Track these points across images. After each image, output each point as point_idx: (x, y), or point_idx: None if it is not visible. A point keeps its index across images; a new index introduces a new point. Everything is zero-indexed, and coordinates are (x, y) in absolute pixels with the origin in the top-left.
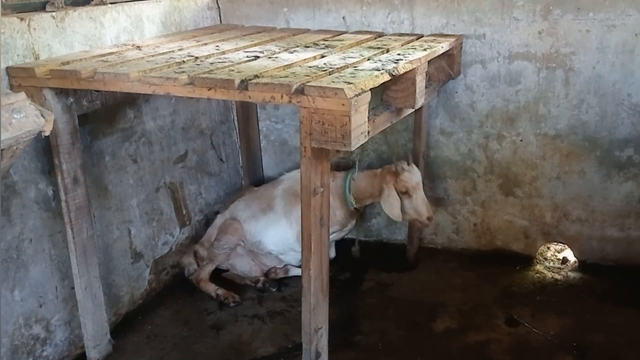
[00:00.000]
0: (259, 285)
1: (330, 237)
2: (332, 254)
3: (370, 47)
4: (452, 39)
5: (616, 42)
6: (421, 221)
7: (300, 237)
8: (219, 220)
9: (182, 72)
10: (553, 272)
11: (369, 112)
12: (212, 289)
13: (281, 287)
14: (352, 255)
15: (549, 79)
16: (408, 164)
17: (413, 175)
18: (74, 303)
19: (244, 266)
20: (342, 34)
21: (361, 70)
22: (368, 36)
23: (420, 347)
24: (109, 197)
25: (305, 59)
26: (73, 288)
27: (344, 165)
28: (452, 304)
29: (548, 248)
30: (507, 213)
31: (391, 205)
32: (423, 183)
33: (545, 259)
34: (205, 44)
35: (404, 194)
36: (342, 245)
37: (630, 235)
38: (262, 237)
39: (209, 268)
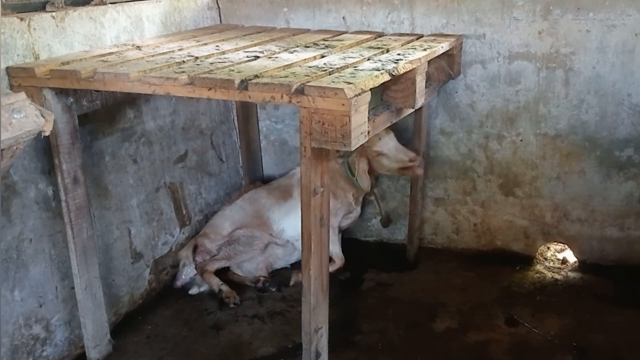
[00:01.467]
0: (259, 285)
1: (342, 224)
2: (338, 250)
3: (370, 47)
4: (452, 39)
5: (616, 42)
6: (408, 166)
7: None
8: (229, 212)
9: (182, 72)
10: (553, 272)
11: (369, 112)
12: (215, 282)
13: (281, 287)
14: (382, 224)
15: (549, 79)
16: None
17: (374, 137)
18: (74, 303)
19: (251, 264)
20: (342, 34)
21: (361, 70)
22: (368, 36)
23: (420, 347)
24: (109, 197)
25: (305, 59)
26: (73, 288)
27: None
28: (452, 304)
29: (548, 248)
30: (507, 213)
31: (361, 178)
32: (423, 183)
33: (545, 259)
34: (205, 44)
35: (379, 155)
36: (343, 245)
37: (630, 235)
38: (284, 224)
39: (220, 263)
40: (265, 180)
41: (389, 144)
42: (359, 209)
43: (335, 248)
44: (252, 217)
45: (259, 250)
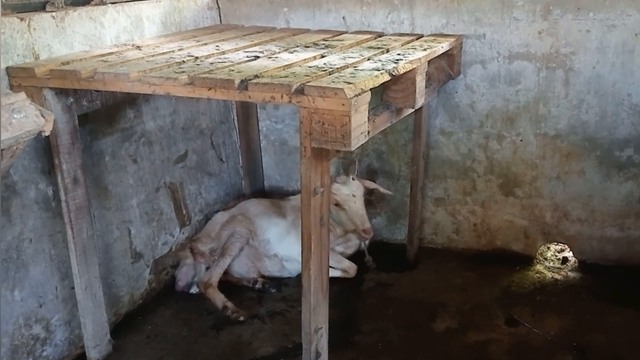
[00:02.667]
0: (258, 285)
1: (346, 251)
2: (347, 263)
3: (370, 47)
4: (452, 39)
5: (616, 42)
6: (358, 231)
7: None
8: (219, 217)
9: (182, 72)
10: (553, 272)
11: (369, 112)
12: (220, 299)
13: (281, 287)
14: (366, 265)
15: (549, 79)
16: (348, 175)
17: (343, 188)
18: (74, 303)
19: (241, 267)
20: (342, 34)
21: (361, 70)
22: (368, 36)
23: (420, 347)
24: (109, 197)
25: (305, 59)
26: (73, 288)
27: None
28: (452, 304)
29: (548, 248)
30: (507, 213)
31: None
32: (423, 183)
33: (545, 259)
34: (205, 44)
35: (337, 205)
36: None
37: (630, 235)
38: (271, 236)
39: (219, 270)
40: (266, 180)
41: (352, 204)
42: (355, 242)
43: (344, 263)
44: (239, 218)
45: (242, 243)
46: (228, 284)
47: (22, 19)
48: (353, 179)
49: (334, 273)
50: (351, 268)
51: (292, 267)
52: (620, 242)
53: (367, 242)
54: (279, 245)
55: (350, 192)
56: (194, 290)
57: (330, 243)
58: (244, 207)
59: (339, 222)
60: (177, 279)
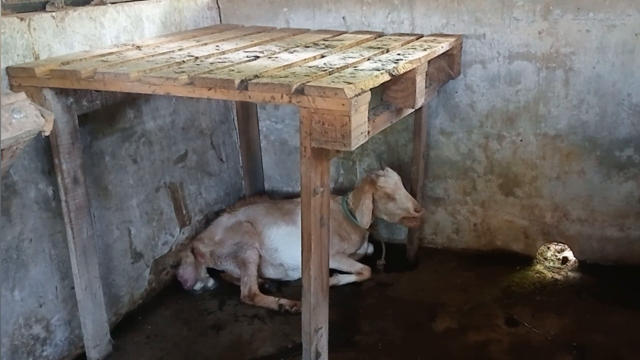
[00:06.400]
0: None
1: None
2: (360, 265)
3: (370, 47)
4: (452, 39)
5: (616, 42)
6: (412, 216)
7: None
8: (225, 220)
9: (182, 72)
10: (553, 272)
11: (369, 112)
12: (272, 301)
13: (281, 287)
14: (377, 267)
15: (549, 79)
16: (382, 169)
17: (389, 179)
18: (74, 303)
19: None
20: (342, 34)
21: (361, 70)
22: (368, 36)
23: (420, 347)
24: (109, 197)
25: (305, 59)
26: (73, 288)
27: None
28: (452, 304)
29: (548, 248)
30: (507, 213)
31: (362, 214)
32: (423, 183)
33: (545, 259)
34: (205, 44)
35: (387, 198)
36: None
37: (630, 235)
38: (280, 246)
39: (252, 278)
40: (265, 180)
41: (400, 190)
42: (365, 246)
43: (356, 266)
44: (245, 227)
45: (256, 251)
46: (230, 284)
47: (22, 19)
48: (387, 169)
49: (349, 278)
50: (365, 269)
51: (297, 275)
52: (620, 242)
53: (370, 249)
54: (287, 255)
55: (394, 181)
56: (197, 287)
57: (345, 250)
58: (251, 214)
59: (388, 215)
60: (183, 279)
